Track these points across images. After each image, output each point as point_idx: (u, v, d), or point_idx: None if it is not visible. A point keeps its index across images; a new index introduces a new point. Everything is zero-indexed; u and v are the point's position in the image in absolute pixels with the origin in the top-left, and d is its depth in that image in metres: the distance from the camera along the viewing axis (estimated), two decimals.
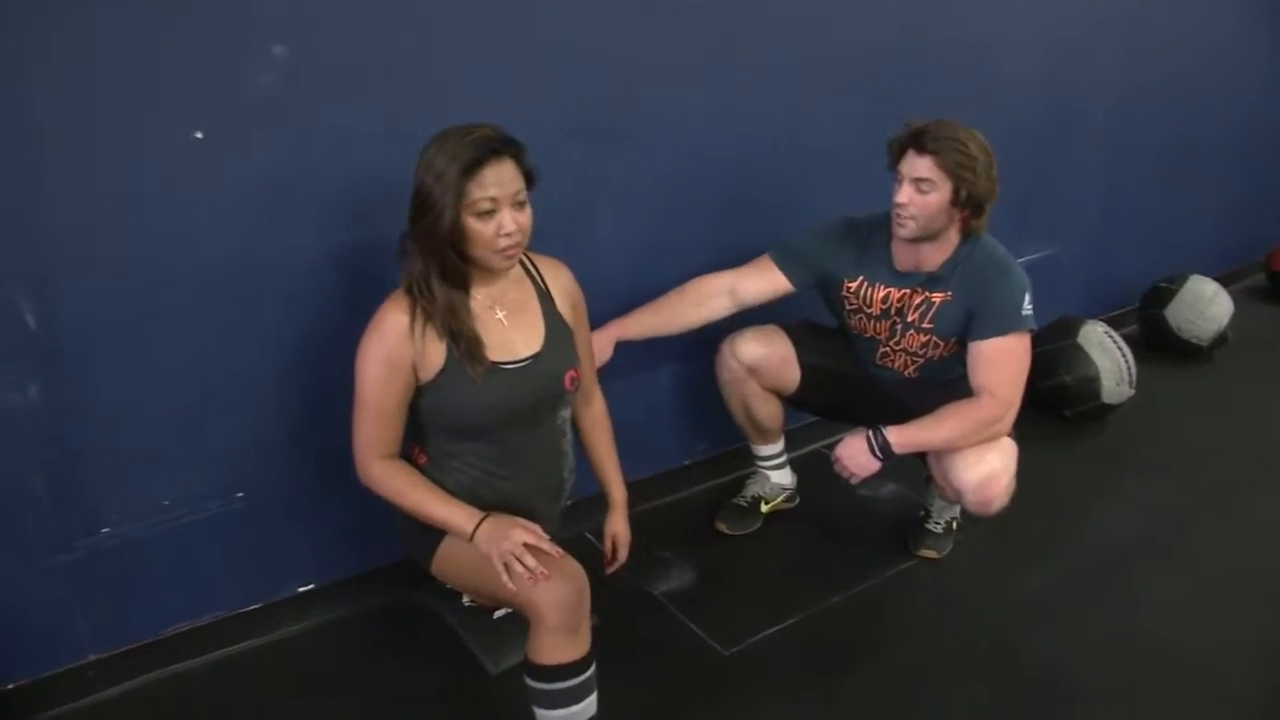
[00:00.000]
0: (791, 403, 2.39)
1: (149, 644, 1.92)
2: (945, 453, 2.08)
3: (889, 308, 2.15)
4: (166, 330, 1.76)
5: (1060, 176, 3.36)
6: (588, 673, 1.59)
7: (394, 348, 1.58)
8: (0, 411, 1.64)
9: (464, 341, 1.59)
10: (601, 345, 2.07)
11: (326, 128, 1.79)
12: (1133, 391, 3.02)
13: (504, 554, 1.56)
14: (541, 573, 1.53)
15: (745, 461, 2.58)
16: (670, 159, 2.29)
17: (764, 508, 2.51)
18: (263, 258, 1.80)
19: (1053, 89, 3.15)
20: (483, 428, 1.67)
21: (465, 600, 2.08)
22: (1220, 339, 3.55)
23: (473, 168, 1.48)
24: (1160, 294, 3.61)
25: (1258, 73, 4.04)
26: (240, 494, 1.93)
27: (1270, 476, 2.82)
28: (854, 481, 2.12)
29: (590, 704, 1.60)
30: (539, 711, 1.60)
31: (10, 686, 1.80)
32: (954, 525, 2.43)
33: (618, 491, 1.95)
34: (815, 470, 2.66)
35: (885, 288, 2.13)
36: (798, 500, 2.58)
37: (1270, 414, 3.23)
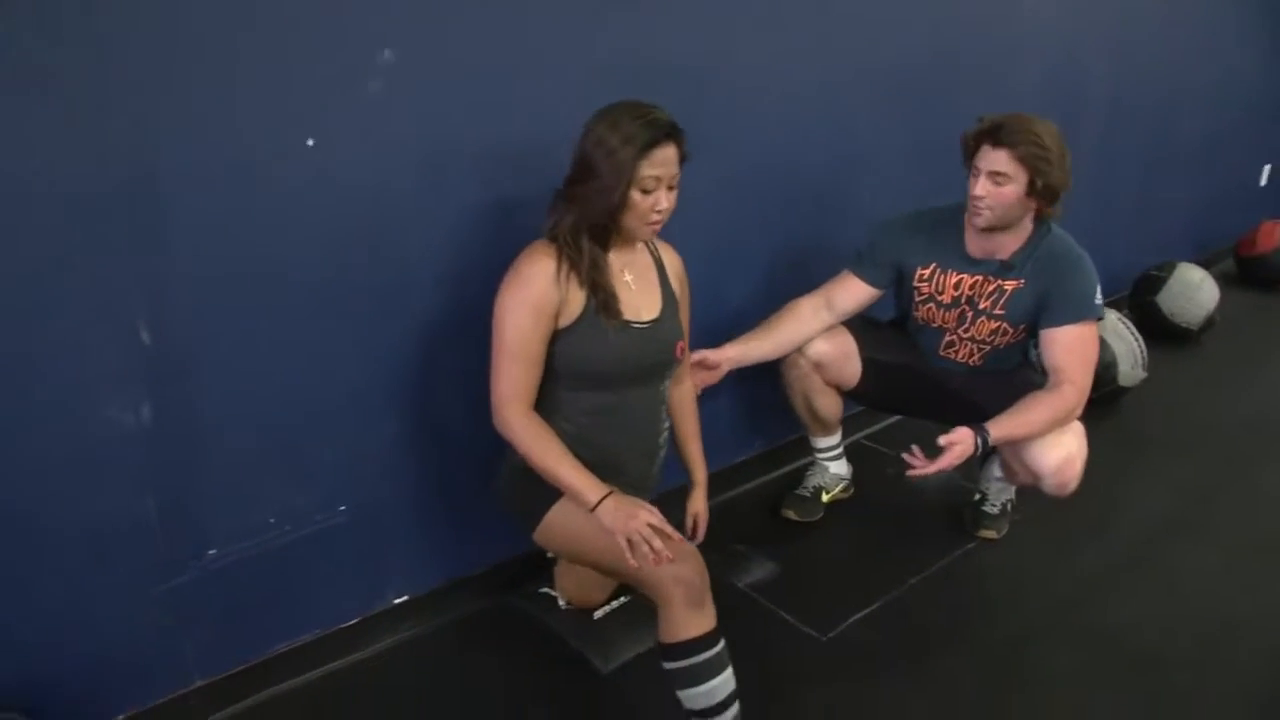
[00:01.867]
0: (851, 396, 2.44)
1: (251, 666, 1.88)
2: (1022, 439, 2.14)
3: (960, 295, 2.21)
4: (276, 344, 1.73)
5: None
6: (719, 646, 1.63)
7: (541, 293, 1.65)
8: (115, 433, 1.60)
9: (603, 294, 1.68)
10: (716, 367, 2.17)
11: (434, 135, 1.79)
12: (1145, 375, 3.16)
13: (630, 531, 1.62)
14: (666, 555, 1.59)
15: (800, 454, 2.63)
16: (730, 166, 2.33)
17: (825, 497, 2.56)
18: (371, 274, 1.79)
19: (1054, 98, 3.29)
20: (608, 378, 1.75)
21: (562, 603, 2.09)
22: (1209, 322, 3.74)
23: (648, 148, 1.60)
24: (1151, 281, 3.79)
25: (1228, 81, 4.34)
26: (343, 507, 1.90)
27: (1278, 448, 2.99)
28: (937, 467, 2.03)
29: (728, 678, 1.64)
30: (682, 693, 1.63)
31: (120, 719, 1.75)
32: (1009, 507, 2.52)
33: (700, 472, 2.03)
34: (866, 460, 2.74)
35: (958, 274, 2.20)
36: (852, 490, 2.64)
37: (1266, 391, 3.44)
